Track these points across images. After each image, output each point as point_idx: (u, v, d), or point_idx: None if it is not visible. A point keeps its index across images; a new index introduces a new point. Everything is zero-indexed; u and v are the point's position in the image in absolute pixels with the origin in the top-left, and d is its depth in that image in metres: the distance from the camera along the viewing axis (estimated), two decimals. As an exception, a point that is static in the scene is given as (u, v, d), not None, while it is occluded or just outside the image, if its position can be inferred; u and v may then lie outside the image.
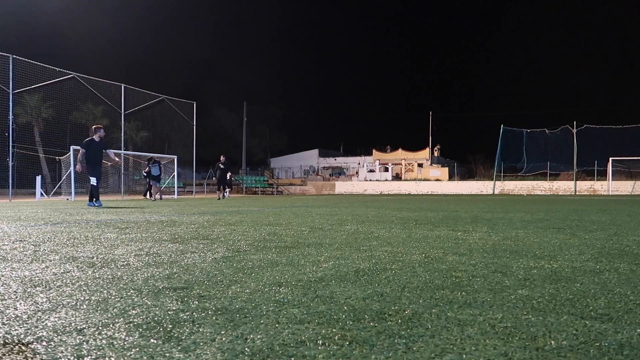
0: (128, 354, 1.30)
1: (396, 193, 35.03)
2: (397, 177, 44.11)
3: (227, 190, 19.86)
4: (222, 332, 1.47)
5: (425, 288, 2.09)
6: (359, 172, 46.45)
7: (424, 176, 41.72)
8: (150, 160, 20.10)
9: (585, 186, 32.31)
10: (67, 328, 1.52)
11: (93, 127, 12.18)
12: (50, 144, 23.23)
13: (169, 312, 1.70)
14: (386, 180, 41.90)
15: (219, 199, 18.40)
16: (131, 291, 2.04)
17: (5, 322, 1.59)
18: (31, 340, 1.41)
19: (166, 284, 2.19)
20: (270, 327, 1.53)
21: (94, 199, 11.43)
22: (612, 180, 30.92)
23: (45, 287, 2.14)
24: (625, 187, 30.88)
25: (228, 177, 19.53)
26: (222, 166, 19.17)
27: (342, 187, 39.56)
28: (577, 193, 31.33)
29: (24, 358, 1.28)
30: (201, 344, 1.38)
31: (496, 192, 33.41)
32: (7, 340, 1.41)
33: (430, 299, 1.90)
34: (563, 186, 32.86)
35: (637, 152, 29.97)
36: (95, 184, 11.62)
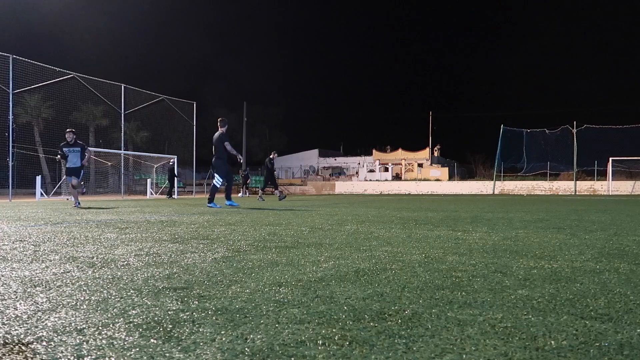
0: (128, 354, 1.30)
1: (396, 193, 35.02)
2: (397, 177, 44.11)
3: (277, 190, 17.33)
4: (222, 332, 1.47)
5: (425, 288, 2.09)
6: (359, 172, 46.44)
7: (424, 176, 41.71)
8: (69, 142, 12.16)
9: (585, 186, 32.29)
10: (67, 328, 1.52)
11: (219, 119, 11.27)
12: (50, 144, 23.19)
13: (169, 312, 1.70)
14: (386, 180, 41.88)
15: (281, 198, 16.09)
16: (131, 291, 2.04)
17: (5, 322, 1.59)
18: (31, 340, 1.41)
19: (166, 284, 2.19)
20: (270, 327, 1.53)
21: (212, 200, 10.57)
22: (612, 180, 30.91)
23: (45, 287, 2.14)
24: (625, 187, 30.87)
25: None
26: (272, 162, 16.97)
27: (342, 187, 39.54)
28: (577, 193, 31.32)
29: (24, 358, 1.28)
30: (201, 344, 1.38)
31: (496, 192, 33.40)
32: (7, 340, 1.41)
33: (430, 299, 1.90)
34: (563, 186, 32.84)
35: (637, 152, 29.96)
36: (217, 185, 10.71)
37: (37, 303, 1.84)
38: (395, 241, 3.86)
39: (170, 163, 21.62)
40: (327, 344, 1.37)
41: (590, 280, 2.28)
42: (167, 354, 1.30)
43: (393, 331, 1.48)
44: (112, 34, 73.26)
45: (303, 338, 1.42)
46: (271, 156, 17.24)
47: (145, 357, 1.28)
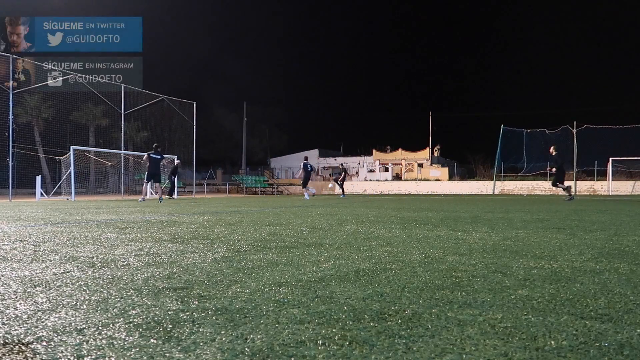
0: (128, 354, 1.30)
1: (396, 193, 35.01)
2: (397, 177, 44.10)
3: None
4: (222, 332, 1.47)
5: (425, 288, 2.09)
6: (359, 172, 46.43)
7: (424, 176, 41.70)
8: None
9: (585, 186, 32.28)
10: (67, 328, 1.53)
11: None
12: (50, 144, 23.27)
13: (169, 312, 1.70)
14: (386, 180, 41.88)
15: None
16: (131, 291, 2.04)
17: (5, 322, 1.59)
18: (31, 340, 1.42)
19: (166, 284, 2.19)
20: (270, 327, 1.53)
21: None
22: (612, 180, 30.89)
23: (45, 287, 2.14)
24: (625, 187, 30.85)
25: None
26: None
27: (342, 187, 39.49)
28: (577, 193, 31.31)
29: (24, 358, 1.28)
30: (201, 344, 1.38)
31: (496, 192, 33.39)
32: (7, 340, 1.41)
33: (430, 299, 1.90)
34: (563, 186, 32.81)
35: (637, 152, 29.92)
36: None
37: (37, 303, 1.84)
38: (395, 241, 3.86)
39: (176, 163, 21.63)
40: (327, 344, 1.37)
41: (590, 280, 2.28)
42: (167, 354, 1.30)
43: (393, 331, 1.48)
44: (112, 34, 73.14)
45: (303, 338, 1.42)
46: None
47: (145, 357, 1.28)
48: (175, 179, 21.05)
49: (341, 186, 22.60)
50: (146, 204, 13.22)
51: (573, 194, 15.04)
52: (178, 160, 22.02)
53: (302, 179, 19.58)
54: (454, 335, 1.45)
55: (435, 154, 49.34)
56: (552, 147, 15.04)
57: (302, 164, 20.02)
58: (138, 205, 11.92)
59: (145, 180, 16.05)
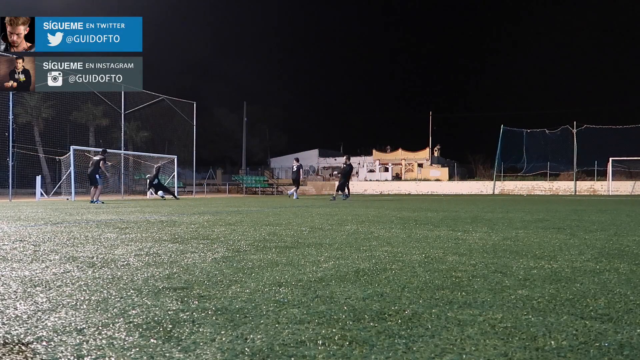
0: (128, 354, 1.30)
1: (396, 193, 35.01)
2: (397, 177, 44.11)
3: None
4: (222, 332, 1.47)
5: (425, 288, 2.09)
6: (359, 172, 46.43)
7: (424, 176, 41.70)
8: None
9: (585, 186, 32.28)
10: (67, 328, 1.53)
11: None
12: (50, 144, 23.26)
13: (169, 312, 1.70)
14: (386, 180, 41.89)
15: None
16: (131, 291, 2.04)
17: (5, 322, 1.59)
18: (31, 340, 1.42)
19: (166, 284, 2.19)
20: (270, 327, 1.53)
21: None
22: (612, 180, 30.89)
23: (45, 287, 2.14)
24: (625, 187, 30.85)
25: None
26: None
27: (342, 187, 39.48)
28: (577, 193, 31.31)
29: (24, 358, 1.28)
30: (201, 344, 1.38)
31: (496, 192, 33.39)
32: (7, 340, 1.41)
33: (430, 299, 1.90)
34: (563, 186, 32.83)
35: (637, 152, 29.93)
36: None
37: (37, 303, 1.84)
38: (395, 241, 3.86)
39: (159, 164, 21.53)
40: (327, 344, 1.37)
41: (590, 280, 2.28)
42: (167, 354, 1.30)
43: (393, 331, 1.49)
44: (112, 33, 73.06)
45: (303, 338, 1.42)
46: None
47: (145, 357, 1.28)
48: (168, 179, 20.88)
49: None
50: (146, 203, 13.24)
51: (336, 197, 17.15)
52: (158, 164, 21.79)
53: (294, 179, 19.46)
54: (454, 335, 1.45)
55: (435, 154, 49.34)
56: (346, 156, 17.59)
57: (296, 165, 19.52)
58: (102, 206, 11.92)
59: None
